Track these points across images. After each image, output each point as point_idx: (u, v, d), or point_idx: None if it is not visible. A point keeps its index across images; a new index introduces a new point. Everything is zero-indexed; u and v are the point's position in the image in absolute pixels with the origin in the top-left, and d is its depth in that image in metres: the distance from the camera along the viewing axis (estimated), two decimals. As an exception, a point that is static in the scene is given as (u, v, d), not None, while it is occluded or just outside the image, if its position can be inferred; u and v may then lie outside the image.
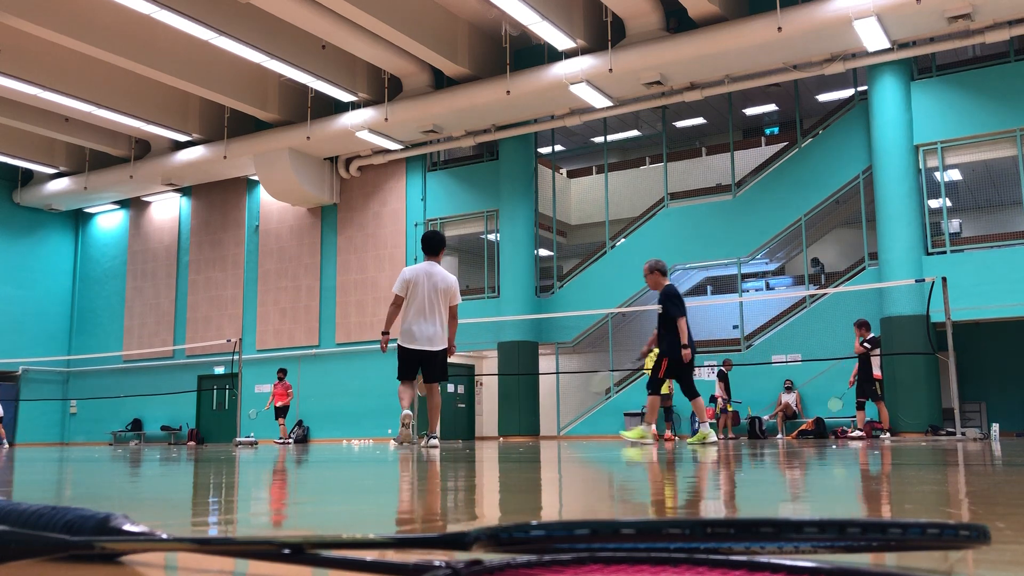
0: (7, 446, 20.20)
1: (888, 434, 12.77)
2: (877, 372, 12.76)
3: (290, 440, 18.87)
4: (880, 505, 1.76)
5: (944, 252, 15.09)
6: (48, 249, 24.87)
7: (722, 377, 16.00)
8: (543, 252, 21.37)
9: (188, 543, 0.85)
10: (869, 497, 1.99)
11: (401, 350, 8.05)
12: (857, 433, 12.63)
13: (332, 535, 0.79)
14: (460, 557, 0.76)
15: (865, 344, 12.62)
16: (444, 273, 8.16)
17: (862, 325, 12.78)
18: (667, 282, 8.92)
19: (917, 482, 2.41)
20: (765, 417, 16.13)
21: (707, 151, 21.63)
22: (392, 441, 10.52)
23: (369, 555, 0.81)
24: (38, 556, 0.90)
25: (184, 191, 23.68)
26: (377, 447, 9.87)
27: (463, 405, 19.69)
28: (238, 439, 13.94)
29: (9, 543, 0.90)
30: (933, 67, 15.59)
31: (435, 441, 8.09)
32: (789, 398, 15.85)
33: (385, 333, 8.17)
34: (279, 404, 18.22)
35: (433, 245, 8.28)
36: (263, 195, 22.11)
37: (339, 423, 20.33)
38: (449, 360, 8.28)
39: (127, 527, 0.92)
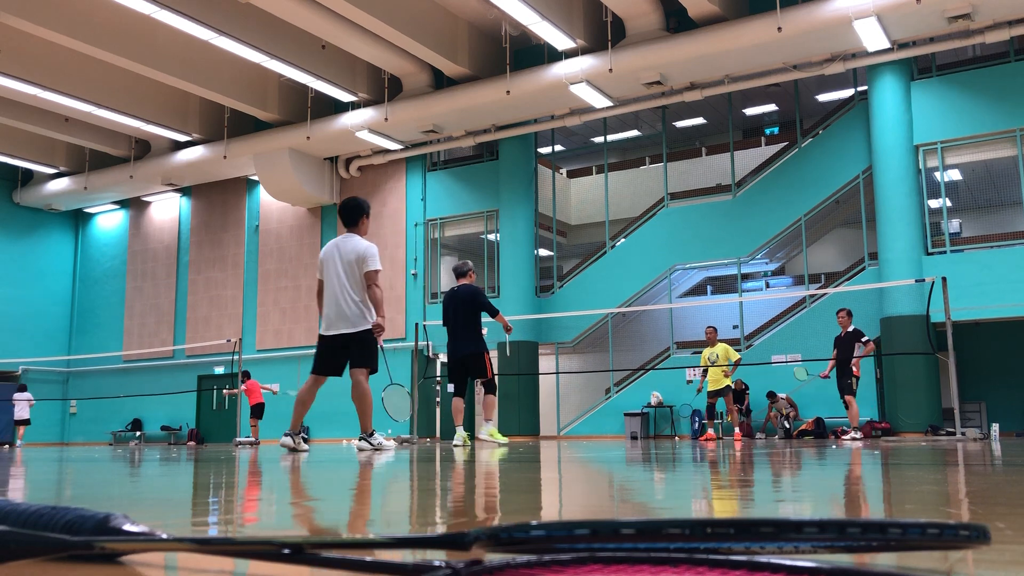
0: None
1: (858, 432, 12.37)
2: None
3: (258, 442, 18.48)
4: (880, 506, 1.76)
5: (944, 252, 15.08)
6: (48, 249, 24.86)
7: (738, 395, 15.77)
8: (543, 252, 21.35)
9: (188, 543, 0.85)
10: (866, 497, 1.99)
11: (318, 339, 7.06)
12: (851, 435, 11.95)
13: (332, 535, 0.79)
14: (460, 557, 0.76)
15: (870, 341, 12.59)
16: (356, 242, 6.91)
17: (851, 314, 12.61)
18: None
19: (917, 482, 2.40)
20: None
21: (707, 151, 21.61)
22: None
23: (369, 555, 0.81)
24: (38, 556, 0.90)
25: (184, 191, 23.68)
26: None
27: (463, 405, 19.64)
28: (238, 439, 13.94)
29: (9, 543, 0.90)
30: (933, 67, 15.59)
31: (363, 443, 7.05)
32: (783, 402, 15.80)
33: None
34: (254, 403, 18.04)
35: (347, 214, 7.02)
36: (263, 195, 22.11)
37: (339, 423, 20.30)
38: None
39: (127, 527, 0.92)
